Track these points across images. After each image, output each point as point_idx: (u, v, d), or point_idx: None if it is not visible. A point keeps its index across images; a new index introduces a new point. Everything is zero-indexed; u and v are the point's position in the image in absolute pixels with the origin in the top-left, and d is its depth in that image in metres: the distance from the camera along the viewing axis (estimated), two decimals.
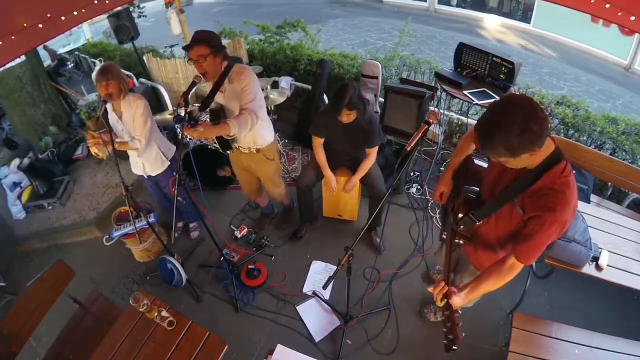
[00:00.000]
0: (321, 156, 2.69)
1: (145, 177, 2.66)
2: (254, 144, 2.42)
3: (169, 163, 2.62)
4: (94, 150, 2.26)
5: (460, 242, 1.50)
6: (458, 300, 1.29)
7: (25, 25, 1.88)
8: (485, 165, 1.64)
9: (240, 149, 2.46)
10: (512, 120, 1.09)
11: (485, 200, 1.49)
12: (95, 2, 2.16)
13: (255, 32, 5.18)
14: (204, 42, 1.97)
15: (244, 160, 2.56)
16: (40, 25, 1.93)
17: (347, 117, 2.35)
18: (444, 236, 1.57)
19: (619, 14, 1.66)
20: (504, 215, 1.38)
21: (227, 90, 2.17)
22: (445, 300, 1.24)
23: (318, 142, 2.67)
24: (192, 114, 1.98)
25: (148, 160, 2.55)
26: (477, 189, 1.59)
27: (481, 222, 1.45)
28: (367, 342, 2.39)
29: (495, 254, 1.56)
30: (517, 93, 2.87)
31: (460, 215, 1.50)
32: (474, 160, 1.71)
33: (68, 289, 2.15)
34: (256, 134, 2.35)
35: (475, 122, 1.20)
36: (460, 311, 1.30)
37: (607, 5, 1.68)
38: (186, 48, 2.01)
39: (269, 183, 2.74)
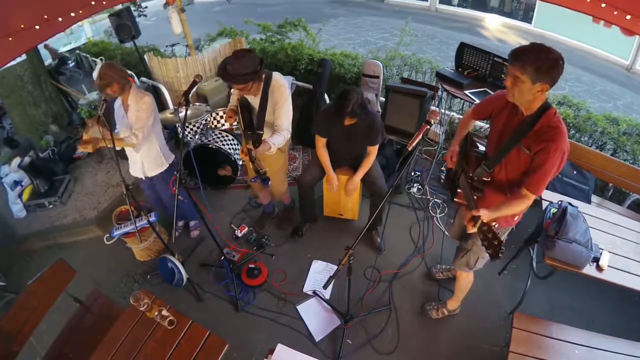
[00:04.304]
0: (324, 157, 2.70)
1: (143, 178, 2.66)
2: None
3: (167, 165, 2.62)
4: (82, 148, 2.22)
5: (475, 195, 1.67)
6: (486, 213, 1.46)
7: (22, 27, 1.88)
8: (482, 141, 1.89)
9: None
10: (550, 54, 1.36)
11: (490, 156, 1.71)
12: (93, 3, 2.16)
13: (256, 32, 5.18)
14: (247, 77, 2.09)
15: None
16: (37, 27, 1.93)
17: (349, 121, 2.37)
18: (456, 199, 1.79)
19: (615, 13, 1.68)
20: (512, 159, 1.61)
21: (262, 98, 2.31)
22: (480, 220, 1.42)
23: (321, 144, 2.67)
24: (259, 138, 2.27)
25: (147, 158, 2.54)
26: (483, 150, 1.84)
27: (493, 170, 1.67)
28: (367, 341, 2.39)
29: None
30: None
31: (471, 174, 1.73)
32: (473, 137, 1.94)
33: (69, 288, 2.15)
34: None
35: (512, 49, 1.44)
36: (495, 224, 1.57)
37: (603, 5, 1.69)
38: (239, 83, 2.13)
39: (274, 177, 2.75)
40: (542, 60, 1.36)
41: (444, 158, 2.00)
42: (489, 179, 1.71)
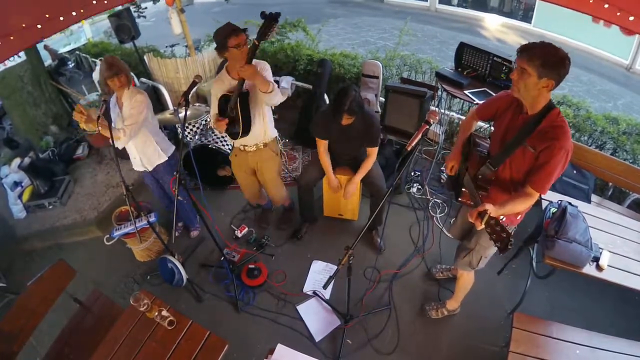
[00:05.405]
0: (326, 160, 2.70)
1: (148, 170, 2.64)
2: (264, 136, 2.47)
3: (167, 157, 2.61)
4: (77, 116, 2.19)
5: (480, 193, 1.67)
6: (492, 208, 1.44)
7: (23, 26, 1.89)
8: (485, 141, 1.88)
9: (246, 148, 2.50)
10: (558, 51, 1.40)
11: (494, 155, 1.72)
12: (94, 2, 2.17)
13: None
14: (242, 29, 2.16)
15: (250, 161, 2.58)
16: (39, 26, 1.94)
17: (347, 120, 2.37)
18: (461, 198, 1.82)
19: (618, 14, 1.68)
20: (517, 158, 1.62)
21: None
22: (487, 216, 1.40)
23: (323, 147, 2.66)
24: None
25: (145, 154, 2.54)
26: (486, 150, 1.83)
27: (497, 169, 1.67)
28: (367, 342, 2.39)
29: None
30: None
31: (473, 173, 1.73)
32: (476, 138, 1.92)
33: (69, 288, 2.15)
34: (267, 125, 2.43)
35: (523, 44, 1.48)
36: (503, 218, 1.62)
37: (606, 6, 1.69)
38: (237, 33, 2.14)
39: (272, 183, 2.74)
40: (550, 55, 1.39)
41: (446, 164, 1.99)
42: (493, 178, 1.72)
